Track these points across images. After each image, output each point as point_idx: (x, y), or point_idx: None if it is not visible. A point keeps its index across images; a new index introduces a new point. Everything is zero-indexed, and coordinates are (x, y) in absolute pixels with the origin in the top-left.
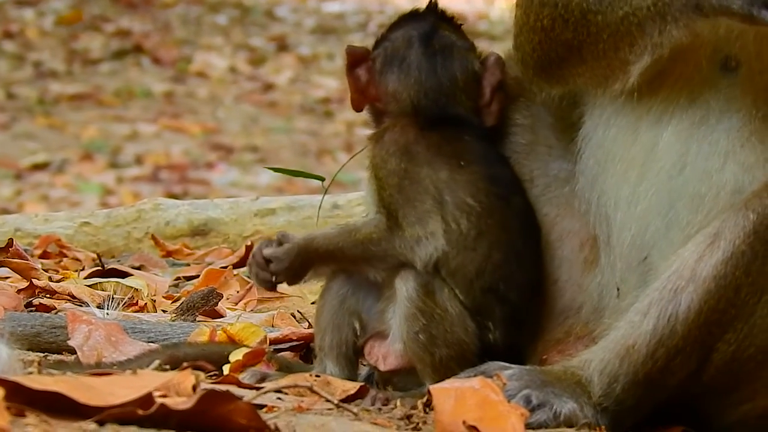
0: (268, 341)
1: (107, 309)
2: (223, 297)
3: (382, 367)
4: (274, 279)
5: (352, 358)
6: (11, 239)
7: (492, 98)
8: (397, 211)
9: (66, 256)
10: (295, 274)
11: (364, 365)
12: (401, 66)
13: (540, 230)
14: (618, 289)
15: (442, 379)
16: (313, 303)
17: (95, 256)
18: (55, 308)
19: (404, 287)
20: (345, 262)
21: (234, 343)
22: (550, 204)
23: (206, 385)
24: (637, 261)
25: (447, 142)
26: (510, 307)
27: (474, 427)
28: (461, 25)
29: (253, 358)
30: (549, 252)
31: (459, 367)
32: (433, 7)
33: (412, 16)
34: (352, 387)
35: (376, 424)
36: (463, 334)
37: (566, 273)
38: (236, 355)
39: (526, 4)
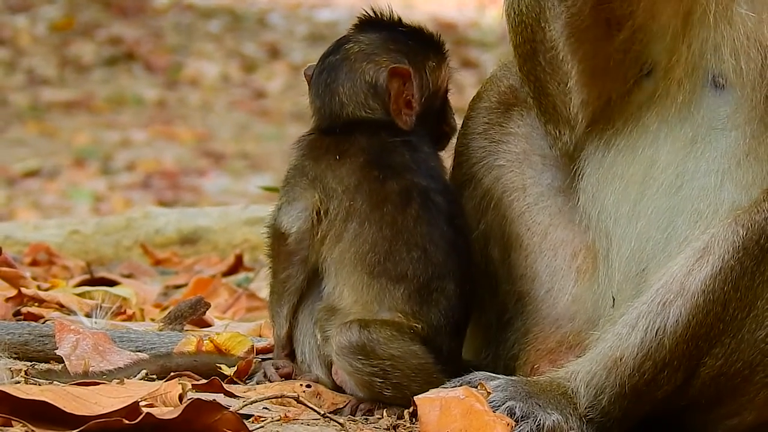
0: (255, 351)
1: (95, 318)
2: (210, 306)
3: (346, 389)
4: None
5: (330, 364)
6: None
7: (396, 104)
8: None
9: (55, 264)
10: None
11: None
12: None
13: (457, 214)
14: (614, 299)
15: None
16: None
17: (84, 264)
18: (43, 317)
19: (346, 363)
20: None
21: (222, 352)
22: (542, 213)
23: (193, 394)
24: (635, 272)
25: (337, 143)
26: (411, 285)
27: None
28: (389, 25)
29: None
30: (541, 261)
31: (431, 387)
32: (362, 17)
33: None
34: (342, 399)
35: None
36: (417, 359)
37: (559, 282)
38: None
39: (509, 30)
